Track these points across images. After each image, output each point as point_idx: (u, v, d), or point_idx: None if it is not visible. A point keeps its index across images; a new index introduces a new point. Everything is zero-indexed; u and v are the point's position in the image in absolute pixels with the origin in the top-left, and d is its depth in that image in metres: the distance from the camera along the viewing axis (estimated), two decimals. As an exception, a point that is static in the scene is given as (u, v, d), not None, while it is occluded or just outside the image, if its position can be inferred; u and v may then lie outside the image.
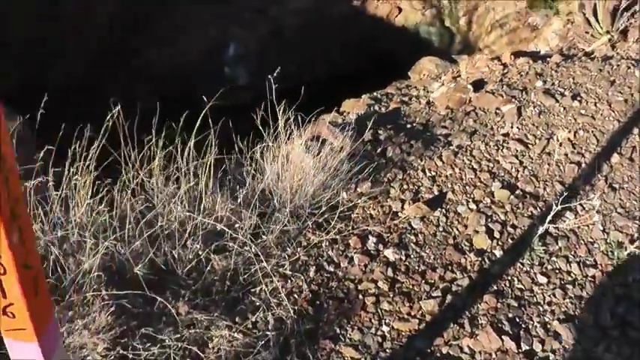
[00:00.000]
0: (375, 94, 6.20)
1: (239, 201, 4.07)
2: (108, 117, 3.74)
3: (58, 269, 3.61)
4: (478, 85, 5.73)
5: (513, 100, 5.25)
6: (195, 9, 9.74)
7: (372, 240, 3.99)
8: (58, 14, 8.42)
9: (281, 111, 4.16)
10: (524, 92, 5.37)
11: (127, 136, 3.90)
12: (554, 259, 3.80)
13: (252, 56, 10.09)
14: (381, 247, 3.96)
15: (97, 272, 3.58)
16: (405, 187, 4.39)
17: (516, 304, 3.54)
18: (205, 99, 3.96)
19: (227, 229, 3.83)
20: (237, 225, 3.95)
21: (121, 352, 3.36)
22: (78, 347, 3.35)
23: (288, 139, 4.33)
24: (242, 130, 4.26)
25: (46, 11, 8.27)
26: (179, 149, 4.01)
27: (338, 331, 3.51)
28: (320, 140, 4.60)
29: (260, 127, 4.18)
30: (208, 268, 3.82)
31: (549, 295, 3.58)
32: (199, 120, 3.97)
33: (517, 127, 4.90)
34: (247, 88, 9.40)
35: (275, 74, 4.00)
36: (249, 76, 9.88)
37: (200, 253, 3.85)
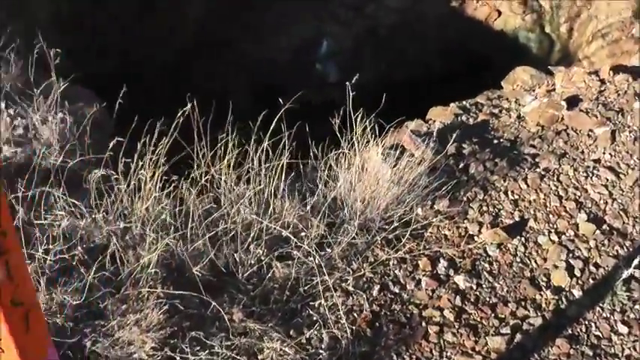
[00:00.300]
0: (464, 102, 5.90)
1: (308, 208, 3.91)
2: (179, 114, 3.64)
3: (117, 261, 3.55)
4: (572, 101, 5.37)
5: (608, 122, 4.89)
6: (291, 4, 9.62)
7: (443, 263, 3.77)
8: (155, 8, 8.45)
9: (359, 118, 3.95)
10: (620, 114, 4.99)
11: (201, 132, 3.81)
12: (637, 307, 3.49)
13: (346, 54, 9.92)
14: (451, 272, 3.73)
15: (155, 268, 3.50)
16: (484, 208, 4.13)
17: (591, 353, 3.26)
18: (281, 101, 3.80)
19: (292, 237, 3.69)
20: (303, 233, 3.79)
21: (169, 353, 3.27)
22: (126, 343, 3.28)
23: (366, 146, 4.14)
24: (325, 131, 4.07)
25: (145, 4, 8.31)
26: (254, 148, 3.88)
27: (395, 358, 3.32)
28: (400, 149, 4.39)
29: (337, 133, 4.00)
30: (269, 275, 3.69)
31: (629, 348, 3.28)
32: (275, 120, 3.83)
33: (609, 154, 4.55)
34: (337, 86, 9.24)
35: (354, 81, 3.80)
36: (341, 73, 9.72)
37: (262, 258, 3.72)
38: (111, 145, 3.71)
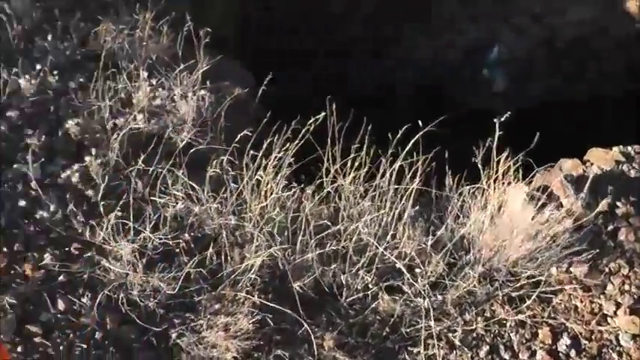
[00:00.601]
0: (628, 148, 5.29)
1: (430, 242, 3.59)
2: (312, 120, 3.43)
3: (221, 257, 3.42)
4: None
5: None
6: (468, 3, 9.17)
7: (565, 340, 3.37)
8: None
9: (503, 158, 3.57)
10: None
11: (335, 137, 3.59)
12: None
13: (516, 63, 9.37)
14: (573, 352, 3.32)
15: (258, 273, 3.34)
16: (626, 287, 3.64)
17: None
18: (420, 123, 3.47)
19: (407, 271, 3.40)
20: (419, 270, 3.50)
21: (249, 366, 3.13)
22: (210, 345, 3.15)
23: (508, 184, 3.74)
24: (472, 148, 3.72)
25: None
26: (388, 163, 3.61)
27: None
28: (547, 193, 3.96)
29: (479, 165, 3.62)
30: (373, 305, 3.44)
31: None
32: (413, 140, 3.52)
33: None
34: (502, 96, 8.79)
35: (503, 119, 3.39)
36: (508, 83, 9.22)
37: (370, 286, 3.48)
38: (238, 137, 3.56)
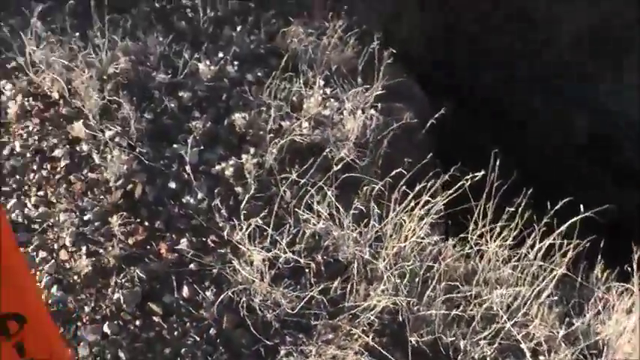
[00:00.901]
0: None
1: (562, 332, 3.38)
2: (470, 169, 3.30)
3: (347, 287, 3.37)
4: None
5: None
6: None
7: None
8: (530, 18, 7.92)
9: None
10: None
11: (492, 191, 3.44)
12: None
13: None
14: None
15: (377, 315, 3.27)
16: None
17: None
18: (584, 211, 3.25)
19: (530, 356, 3.22)
20: (542, 357, 3.31)
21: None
22: (313, 374, 3.12)
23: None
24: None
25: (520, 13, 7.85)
26: (539, 234, 3.43)
27: None
28: None
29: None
30: (484, 379, 3.28)
31: None
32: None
33: None
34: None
35: None
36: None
37: (488, 359, 3.32)
38: (394, 172, 3.48)
